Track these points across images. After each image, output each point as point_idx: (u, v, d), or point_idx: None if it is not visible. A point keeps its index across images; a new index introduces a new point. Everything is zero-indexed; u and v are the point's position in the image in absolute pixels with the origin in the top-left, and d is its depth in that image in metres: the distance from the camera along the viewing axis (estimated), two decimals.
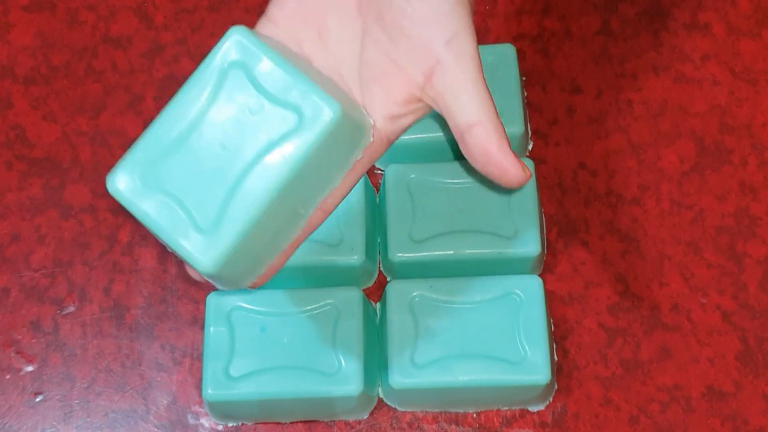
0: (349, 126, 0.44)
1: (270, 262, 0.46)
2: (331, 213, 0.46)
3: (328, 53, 0.45)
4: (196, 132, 0.43)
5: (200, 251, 0.43)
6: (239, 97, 0.43)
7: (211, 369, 0.54)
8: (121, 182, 0.44)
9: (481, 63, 0.44)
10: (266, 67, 0.43)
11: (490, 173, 0.46)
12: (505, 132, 0.45)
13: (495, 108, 0.45)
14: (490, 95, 0.45)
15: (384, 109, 0.45)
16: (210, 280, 0.45)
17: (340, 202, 0.46)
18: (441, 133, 0.59)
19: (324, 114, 0.42)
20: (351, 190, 0.46)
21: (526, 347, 0.53)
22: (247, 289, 0.47)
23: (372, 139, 0.45)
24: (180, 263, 0.60)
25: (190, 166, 0.43)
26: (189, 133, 0.43)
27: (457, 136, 0.45)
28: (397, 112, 0.45)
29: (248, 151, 0.43)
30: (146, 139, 0.44)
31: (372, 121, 0.45)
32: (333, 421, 0.56)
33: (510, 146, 0.45)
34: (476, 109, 0.44)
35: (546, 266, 0.59)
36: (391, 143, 0.46)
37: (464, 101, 0.44)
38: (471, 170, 0.58)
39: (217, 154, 0.43)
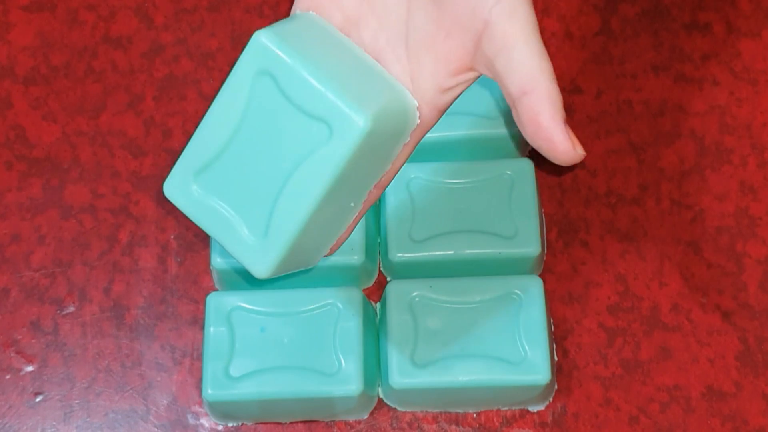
0: (388, 124, 0.43)
1: (330, 244, 0.47)
2: (386, 187, 0.46)
3: (373, 15, 0.43)
4: (237, 140, 0.44)
5: (254, 260, 0.44)
6: (271, 107, 0.43)
7: (211, 369, 0.54)
8: (177, 189, 0.45)
9: (536, 21, 0.41)
10: (293, 75, 0.42)
11: (539, 146, 0.42)
12: (561, 101, 0.41)
13: (552, 72, 0.41)
14: (547, 57, 0.41)
15: (434, 81, 0.43)
16: None
17: (394, 176, 0.46)
18: (441, 133, 0.59)
19: (353, 127, 0.41)
20: (403, 164, 0.46)
21: (526, 347, 0.53)
22: (261, 283, 0.48)
23: (418, 121, 0.44)
24: (180, 263, 0.60)
25: (235, 174, 0.44)
26: (231, 142, 0.44)
27: (510, 105, 0.42)
28: (448, 84, 0.43)
29: (287, 160, 0.43)
30: (193, 146, 0.44)
31: (416, 103, 0.44)
32: (333, 421, 0.56)
33: (564, 118, 0.41)
34: (528, 75, 0.40)
35: (546, 266, 0.59)
36: (442, 113, 0.44)
37: (515, 66, 0.41)
38: (471, 170, 0.58)
39: (259, 163, 0.43)
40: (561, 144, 0.41)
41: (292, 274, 0.56)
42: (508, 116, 0.59)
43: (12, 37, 0.66)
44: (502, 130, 0.59)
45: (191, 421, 0.57)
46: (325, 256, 0.48)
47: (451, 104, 0.44)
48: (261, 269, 0.44)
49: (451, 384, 0.53)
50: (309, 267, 0.48)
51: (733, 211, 0.60)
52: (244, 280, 0.57)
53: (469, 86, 0.44)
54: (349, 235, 0.48)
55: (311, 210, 0.43)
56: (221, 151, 0.44)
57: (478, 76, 0.43)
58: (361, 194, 0.46)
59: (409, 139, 0.44)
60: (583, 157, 0.42)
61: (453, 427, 0.56)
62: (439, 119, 0.45)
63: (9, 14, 0.67)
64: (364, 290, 0.59)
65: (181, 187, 0.45)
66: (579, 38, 0.65)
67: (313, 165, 0.42)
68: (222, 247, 0.55)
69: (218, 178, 0.44)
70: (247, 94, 0.43)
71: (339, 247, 0.48)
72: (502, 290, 0.55)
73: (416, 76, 0.43)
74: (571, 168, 0.61)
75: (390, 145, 0.45)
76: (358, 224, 0.56)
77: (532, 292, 0.55)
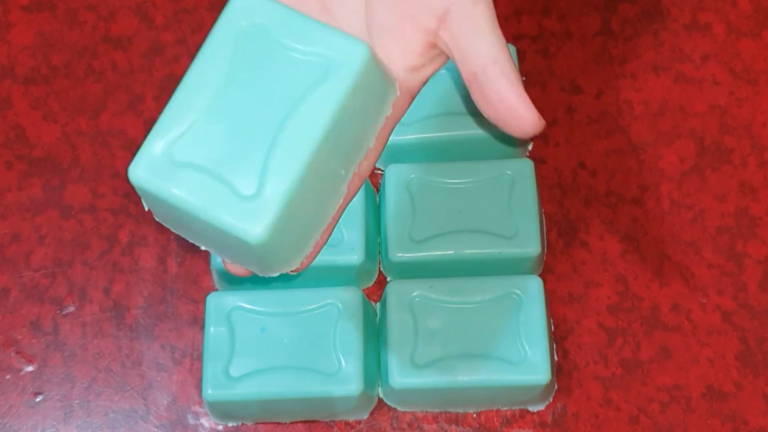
0: (379, 72, 0.42)
1: (316, 237, 0.44)
2: (366, 178, 0.45)
3: (333, 21, 0.44)
4: (222, 98, 0.41)
5: (247, 219, 0.39)
6: (261, 55, 0.41)
7: (211, 369, 0.54)
8: (143, 169, 0.40)
9: (494, 6, 0.43)
10: (283, 20, 0.41)
11: (503, 118, 0.43)
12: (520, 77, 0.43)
13: (510, 52, 0.44)
14: (505, 40, 0.44)
15: (403, 61, 0.44)
16: (256, 262, 0.42)
17: (374, 165, 0.45)
18: (441, 133, 0.59)
19: (354, 56, 0.41)
20: (381, 152, 0.45)
21: (526, 347, 0.53)
22: (290, 274, 0.44)
23: (398, 93, 0.44)
24: (180, 263, 0.60)
25: (219, 134, 0.40)
26: (214, 101, 0.41)
27: (470, 81, 0.43)
28: (417, 62, 0.44)
29: (281, 106, 0.40)
30: (167, 116, 0.41)
31: (395, 74, 0.44)
32: (333, 421, 0.56)
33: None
34: (495, 49, 0.43)
35: (546, 266, 0.59)
36: (413, 97, 0.45)
37: (481, 41, 0.43)
38: (471, 170, 0.58)
39: (248, 117, 0.40)
40: (529, 112, 0.43)
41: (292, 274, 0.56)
42: None
43: (12, 37, 0.66)
44: (502, 130, 0.59)
45: (191, 421, 0.57)
46: (296, 269, 0.44)
47: (422, 86, 0.45)
48: (256, 229, 0.39)
49: (451, 384, 0.53)
50: (283, 271, 0.44)
51: (733, 211, 0.60)
52: (244, 280, 0.57)
53: (437, 69, 0.45)
54: (325, 242, 0.45)
55: (313, 153, 0.40)
56: (202, 114, 0.40)
57: (445, 59, 0.45)
58: (351, 165, 0.43)
59: (391, 110, 0.44)
60: (544, 125, 0.43)
61: (453, 427, 0.56)
62: (411, 103, 0.45)
63: (9, 14, 0.67)
64: (364, 290, 0.59)
65: (147, 167, 0.40)
66: (579, 38, 0.65)
67: (314, 102, 0.40)
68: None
69: (199, 144, 0.40)
70: (232, 48, 0.41)
71: (316, 255, 0.45)
72: (502, 290, 0.55)
73: (385, 59, 0.44)
74: (571, 168, 0.61)
75: (377, 104, 0.43)
76: (358, 224, 0.56)
77: (532, 292, 0.55)
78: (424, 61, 0.45)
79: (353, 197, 0.45)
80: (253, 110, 0.41)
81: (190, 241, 0.44)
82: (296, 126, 0.40)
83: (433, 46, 0.44)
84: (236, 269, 0.45)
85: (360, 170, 0.45)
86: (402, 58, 0.44)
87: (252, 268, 0.44)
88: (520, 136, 0.44)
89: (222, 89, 0.41)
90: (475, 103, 0.44)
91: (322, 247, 0.45)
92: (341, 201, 0.44)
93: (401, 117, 0.46)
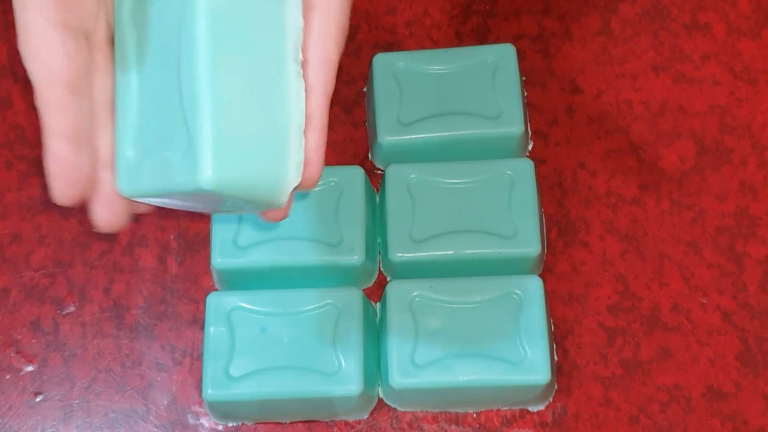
0: None
1: (295, 145, 0.41)
2: (336, 59, 0.42)
3: None
4: (141, 80, 0.41)
5: (192, 170, 0.39)
6: (147, 22, 0.41)
7: (211, 369, 0.54)
8: (123, 183, 0.42)
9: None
10: None
11: None
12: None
13: None
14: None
15: None
16: (247, 201, 0.40)
17: (330, 41, 0.42)
18: (441, 133, 0.59)
19: None
20: (337, 29, 0.42)
21: (526, 347, 0.53)
22: (261, 283, 0.44)
23: None
24: (180, 263, 0.60)
25: (152, 113, 0.41)
26: (139, 85, 0.42)
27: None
28: None
29: (171, 54, 0.40)
30: (118, 122, 0.42)
31: None
32: (333, 421, 0.56)
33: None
34: None
35: (546, 266, 0.59)
36: None
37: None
38: (471, 170, 0.58)
39: (159, 82, 0.41)
40: None
41: (292, 274, 0.56)
42: (507, 116, 0.59)
43: (12, 36, 0.66)
44: (502, 130, 0.59)
45: (191, 421, 0.57)
46: (304, 184, 0.42)
47: None
48: (203, 173, 0.38)
49: (451, 384, 0.53)
50: (292, 182, 0.41)
51: (733, 211, 0.60)
52: (245, 280, 0.57)
53: None
54: (321, 152, 0.41)
55: (207, 76, 0.39)
56: (136, 99, 0.41)
57: None
58: (278, 55, 0.41)
59: None
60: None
61: (453, 427, 0.56)
62: None
63: (9, 14, 0.66)
64: (364, 290, 0.59)
65: (127, 173, 0.41)
66: (579, 38, 0.65)
67: (184, 33, 0.39)
68: (219, 246, 0.55)
69: (145, 129, 0.41)
70: (130, 32, 0.42)
71: (320, 165, 0.42)
72: (502, 290, 0.55)
73: None
74: (571, 168, 0.61)
75: None
76: (358, 224, 0.56)
77: (532, 292, 0.55)
78: None
79: (328, 87, 0.42)
80: (160, 73, 0.41)
81: (228, 213, 0.43)
82: (185, 63, 0.39)
83: None
84: (272, 215, 0.42)
85: (311, 55, 0.42)
86: None
87: (255, 209, 0.43)
88: None
89: (139, 73, 0.41)
90: None
91: (323, 152, 0.42)
92: (301, 97, 0.41)
93: None
